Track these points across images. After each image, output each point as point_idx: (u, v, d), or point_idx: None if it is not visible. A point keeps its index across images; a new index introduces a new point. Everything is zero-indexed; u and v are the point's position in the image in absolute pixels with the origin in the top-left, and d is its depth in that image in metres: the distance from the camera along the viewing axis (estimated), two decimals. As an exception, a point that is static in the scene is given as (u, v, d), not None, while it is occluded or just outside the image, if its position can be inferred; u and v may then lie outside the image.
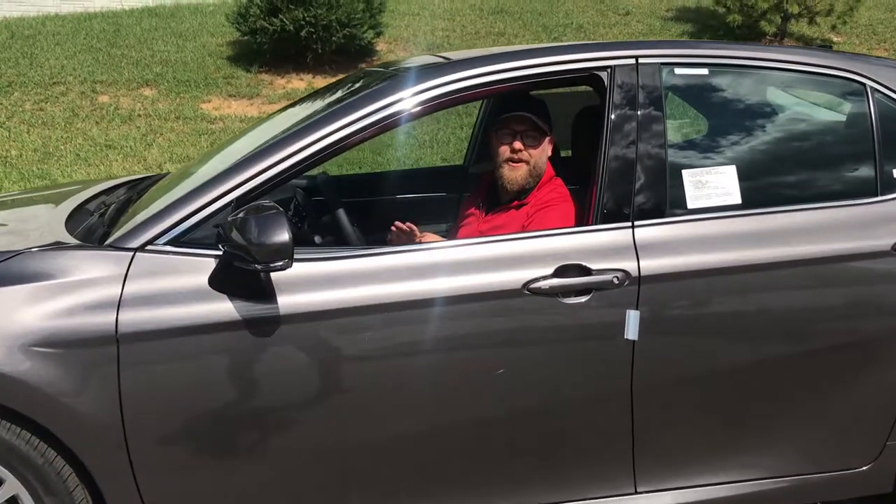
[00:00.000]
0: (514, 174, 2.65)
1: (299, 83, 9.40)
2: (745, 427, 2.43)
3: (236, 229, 2.04)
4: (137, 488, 2.16)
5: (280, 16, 9.17)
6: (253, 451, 2.21)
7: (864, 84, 2.56)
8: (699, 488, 2.45)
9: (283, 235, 2.01)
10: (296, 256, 2.16)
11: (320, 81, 9.29)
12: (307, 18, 9.14)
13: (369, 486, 2.30)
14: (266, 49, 9.54)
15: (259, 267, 2.03)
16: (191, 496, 2.21)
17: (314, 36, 9.26)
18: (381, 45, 10.44)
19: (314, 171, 2.71)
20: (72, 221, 2.54)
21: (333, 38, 9.34)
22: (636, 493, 2.42)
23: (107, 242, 2.20)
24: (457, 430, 2.28)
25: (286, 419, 2.20)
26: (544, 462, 2.36)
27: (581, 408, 2.32)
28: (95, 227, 2.48)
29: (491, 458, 2.33)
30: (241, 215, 2.06)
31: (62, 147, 7.48)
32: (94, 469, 2.13)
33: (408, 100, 2.33)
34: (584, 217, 2.48)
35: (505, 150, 2.66)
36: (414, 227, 2.63)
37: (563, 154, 3.13)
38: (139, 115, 8.30)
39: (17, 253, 2.16)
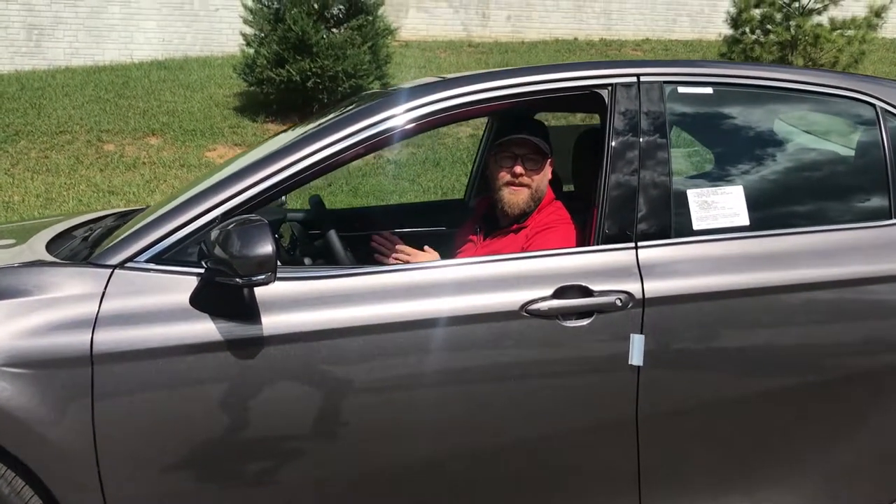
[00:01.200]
0: (514, 198, 2.56)
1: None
2: (759, 461, 2.28)
3: (218, 242, 1.95)
4: (110, 521, 2.02)
5: (287, 66, 9.23)
6: (236, 483, 2.07)
7: (874, 105, 2.48)
8: (711, 527, 2.29)
9: (267, 248, 1.91)
10: (283, 275, 2.08)
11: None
12: (313, 69, 9.19)
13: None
14: (273, 99, 9.59)
15: (241, 281, 1.93)
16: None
17: (320, 86, 9.30)
18: (387, 97, 10.47)
19: (305, 193, 2.63)
20: (54, 244, 2.45)
21: (339, 89, 9.37)
22: (643, 530, 2.27)
23: (85, 260, 2.11)
24: (450, 461, 2.14)
25: (271, 447, 2.07)
26: (545, 495, 2.22)
27: (583, 437, 2.19)
28: (78, 249, 2.39)
29: (487, 490, 2.19)
30: (224, 227, 1.97)
31: (65, 193, 7.45)
32: (64, 501, 2.00)
33: (400, 117, 2.26)
34: (585, 239, 2.38)
35: (505, 175, 2.57)
36: (395, 239, 2.60)
37: (565, 188, 3.04)
38: (144, 163, 8.30)
39: (-10, 269, 2.06)
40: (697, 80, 2.42)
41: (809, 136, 2.60)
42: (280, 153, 2.21)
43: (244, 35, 9.85)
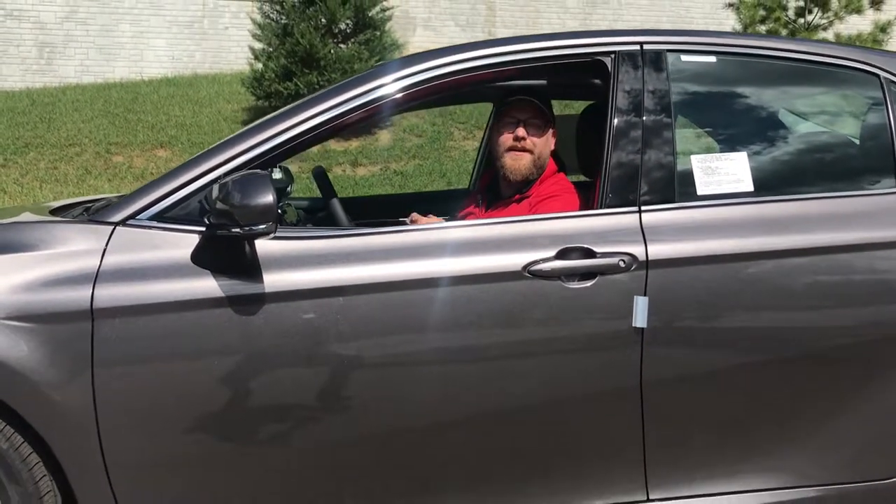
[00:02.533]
0: (516, 164, 2.54)
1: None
2: (771, 428, 2.24)
3: (220, 194, 1.95)
4: (109, 480, 2.00)
5: (294, 80, 9.29)
6: (236, 442, 2.05)
7: (878, 75, 2.47)
8: (720, 496, 2.24)
9: (268, 197, 1.91)
10: (284, 234, 2.08)
11: (334, 144, 9.35)
12: (321, 83, 9.23)
13: (362, 485, 2.13)
14: (280, 113, 9.63)
15: (242, 231, 1.93)
16: (169, 493, 2.06)
17: (327, 100, 9.33)
18: (394, 111, 10.53)
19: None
20: (57, 212, 2.45)
21: (346, 102, 9.40)
22: (648, 500, 2.23)
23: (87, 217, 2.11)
24: (449, 426, 2.11)
25: (272, 405, 2.05)
26: (545, 464, 2.19)
27: (586, 402, 2.16)
28: (81, 215, 2.39)
29: (487, 457, 2.16)
30: (225, 181, 1.98)
31: (73, 201, 7.50)
32: (63, 457, 1.98)
33: (393, 84, 2.25)
34: (589, 205, 2.37)
35: (507, 139, 2.56)
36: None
37: (573, 179, 3.00)
38: (152, 174, 8.34)
39: (-8, 225, 2.07)
40: (701, 49, 2.42)
41: (814, 106, 2.59)
42: (282, 116, 2.22)
43: (252, 49, 9.92)
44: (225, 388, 2.02)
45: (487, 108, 3.55)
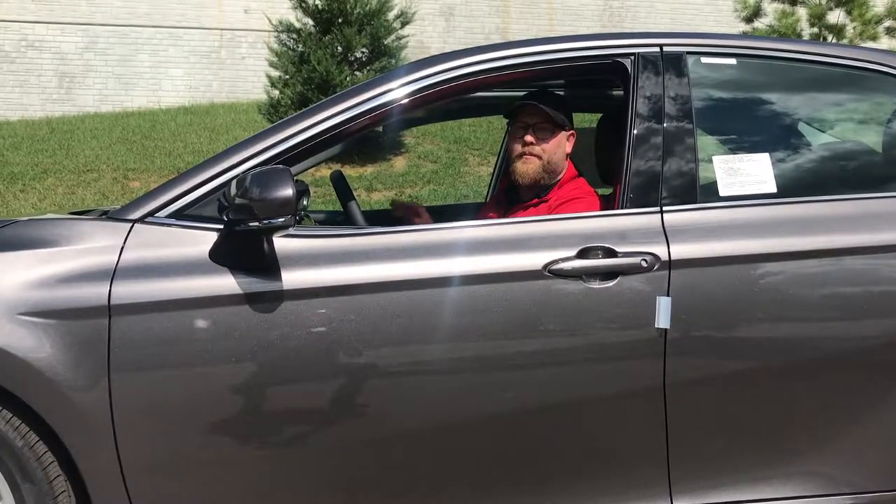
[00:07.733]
0: (525, 167, 2.52)
1: (327, 171, 9.49)
2: (799, 433, 2.18)
3: (238, 189, 1.94)
4: (124, 480, 1.97)
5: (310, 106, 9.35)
6: (252, 442, 2.02)
7: (903, 78, 2.45)
8: (746, 504, 2.20)
9: (287, 190, 1.90)
10: (302, 233, 2.07)
11: (348, 170, 9.39)
12: (337, 109, 9.29)
13: (378, 487, 2.09)
14: (296, 139, 9.68)
15: (261, 224, 1.91)
16: (185, 494, 2.02)
17: (343, 126, 9.39)
18: (408, 138, 10.59)
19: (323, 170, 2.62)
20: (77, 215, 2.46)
21: (362, 128, 9.45)
22: (673, 506, 2.18)
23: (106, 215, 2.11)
24: (466, 427, 2.08)
25: (290, 405, 2.03)
26: (566, 467, 2.14)
27: (608, 404, 2.12)
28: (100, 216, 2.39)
29: (506, 460, 2.12)
30: (243, 175, 1.97)
31: (90, 225, 7.54)
32: (78, 456, 1.95)
33: (408, 86, 2.24)
34: (610, 209, 2.35)
35: (517, 147, 2.55)
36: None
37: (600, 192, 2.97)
38: (168, 199, 8.39)
39: (11, 222, 2.07)
40: (721, 52, 2.41)
41: (837, 109, 2.57)
42: (299, 117, 2.22)
43: (269, 77, 10.02)
44: (243, 387, 2.00)
45: (501, 133, 3.53)
